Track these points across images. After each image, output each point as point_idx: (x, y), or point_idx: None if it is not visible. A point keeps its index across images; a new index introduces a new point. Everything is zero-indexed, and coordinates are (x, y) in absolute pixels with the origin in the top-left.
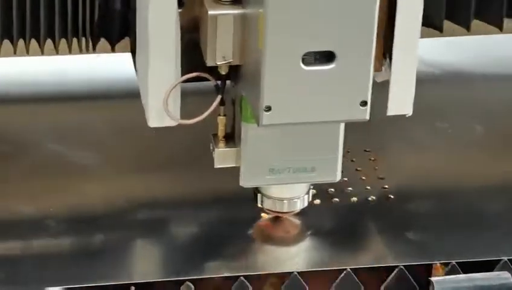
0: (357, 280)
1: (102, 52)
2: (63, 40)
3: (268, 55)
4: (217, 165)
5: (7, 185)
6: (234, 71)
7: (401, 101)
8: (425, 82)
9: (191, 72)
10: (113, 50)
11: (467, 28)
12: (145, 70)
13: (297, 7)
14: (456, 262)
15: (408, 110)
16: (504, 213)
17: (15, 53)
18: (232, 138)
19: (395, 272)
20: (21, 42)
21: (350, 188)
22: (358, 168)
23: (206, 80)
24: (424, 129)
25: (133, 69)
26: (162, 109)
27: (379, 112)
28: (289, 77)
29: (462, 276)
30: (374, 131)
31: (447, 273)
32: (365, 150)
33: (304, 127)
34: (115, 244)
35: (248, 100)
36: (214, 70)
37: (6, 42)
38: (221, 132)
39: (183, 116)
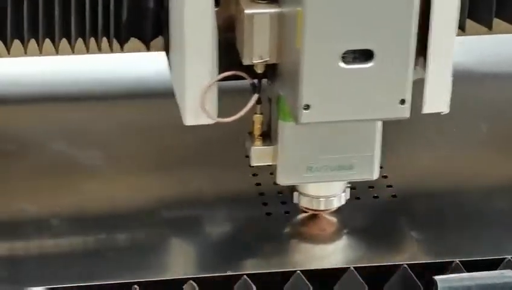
0: (361, 280)
1: (132, 51)
2: (92, 40)
3: (307, 54)
4: (253, 164)
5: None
6: (270, 70)
7: (437, 99)
8: None
9: (227, 70)
10: (148, 49)
11: (489, 27)
12: (182, 69)
13: (336, 5)
14: (459, 261)
15: (444, 108)
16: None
17: (41, 52)
18: (268, 136)
19: (398, 270)
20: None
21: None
22: None
23: (243, 78)
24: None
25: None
26: (198, 107)
27: None
28: (328, 75)
29: (465, 274)
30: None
31: (451, 272)
32: None
33: (342, 125)
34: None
35: (286, 99)
36: (250, 69)
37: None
38: (257, 130)
39: (218, 115)
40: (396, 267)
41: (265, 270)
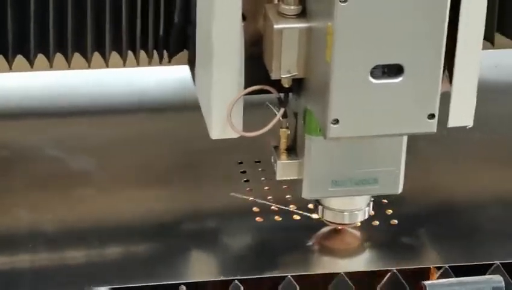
0: (351, 284)
1: (157, 64)
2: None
3: (337, 69)
4: (279, 178)
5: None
6: (297, 84)
7: (462, 113)
8: None
9: (253, 84)
10: (169, 62)
11: None
12: (209, 83)
13: (366, 20)
14: (448, 266)
15: (469, 122)
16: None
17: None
18: (294, 150)
19: (388, 276)
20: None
21: None
22: None
23: (269, 92)
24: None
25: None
26: (224, 121)
27: None
28: (357, 90)
29: (454, 280)
30: None
31: (440, 277)
32: None
33: (368, 139)
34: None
35: (314, 113)
36: (276, 83)
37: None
38: (283, 144)
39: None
40: (386, 272)
41: (307, 272)
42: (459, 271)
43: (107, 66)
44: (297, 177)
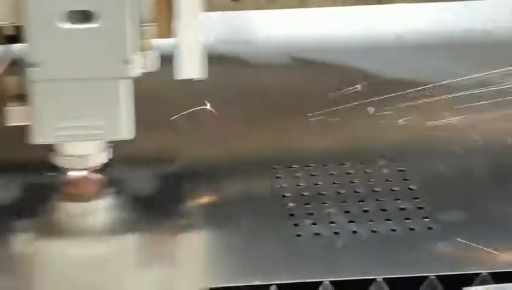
0: None
1: None
2: None
3: (32, 15)
4: (9, 123)
5: None
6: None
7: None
8: None
9: None
10: None
11: None
12: None
13: None
14: (487, 272)
15: (197, 74)
16: None
17: None
18: (24, 97)
19: (426, 282)
20: None
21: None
22: (390, 179)
23: None
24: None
25: None
26: None
27: None
28: (51, 35)
29: (492, 286)
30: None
31: (479, 284)
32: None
33: (85, 86)
34: None
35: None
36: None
37: None
38: (12, 91)
39: None
40: (424, 278)
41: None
42: (498, 278)
43: None
44: (28, 122)
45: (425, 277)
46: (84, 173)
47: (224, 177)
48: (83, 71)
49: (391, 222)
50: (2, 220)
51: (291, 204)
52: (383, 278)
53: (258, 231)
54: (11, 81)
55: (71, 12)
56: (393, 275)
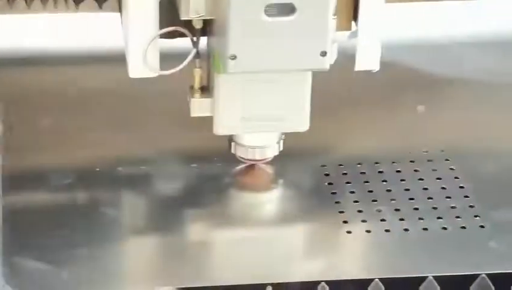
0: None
1: (86, 11)
2: None
3: (233, 7)
4: (193, 114)
5: None
6: (209, 26)
7: (368, 58)
8: None
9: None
10: (100, 8)
11: None
12: (126, 25)
13: None
14: None
15: (375, 66)
16: None
17: None
18: (208, 89)
19: (477, 280)
20: None
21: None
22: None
23: (184, 35)
24: None
25: None
26: (141, 61)
27: None
28: (252, 27)
29: None
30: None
31: None
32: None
33: (273, 78)
34: None
35: (218, 51)
36: (190, 26)
37: None
38: (197, 84)
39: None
40: (474, 277)
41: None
42: None
43: None
44: (210, 114)
45: (477, 275)
46: (258, 163)
47: None
48: (278, 63)
49: (442, 220)
50: (178, 209)
51: None
52: (434, 277)
53: None
54: (196, 73)
55: (272, 5)
56: (444, 273)
